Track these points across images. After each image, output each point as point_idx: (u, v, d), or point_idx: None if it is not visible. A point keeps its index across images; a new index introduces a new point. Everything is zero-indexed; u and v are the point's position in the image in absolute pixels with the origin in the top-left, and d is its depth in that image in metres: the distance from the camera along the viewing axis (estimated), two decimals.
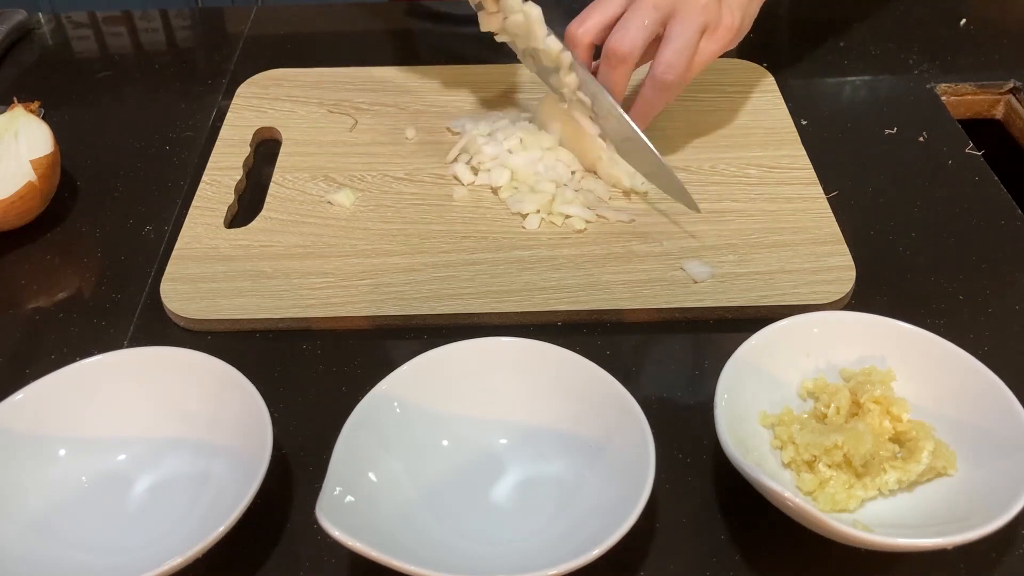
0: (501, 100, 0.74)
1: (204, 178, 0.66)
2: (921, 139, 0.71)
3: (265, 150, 0.71)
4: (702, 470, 0.48)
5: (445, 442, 0.48)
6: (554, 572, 0.38)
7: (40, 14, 0.89)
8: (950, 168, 0.68)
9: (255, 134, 0.71)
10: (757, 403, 0.48)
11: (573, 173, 0.65)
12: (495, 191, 0.64)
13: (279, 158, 0.68)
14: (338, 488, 0.42)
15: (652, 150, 0.60)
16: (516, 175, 0.64)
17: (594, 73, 0.62)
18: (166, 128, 0.73)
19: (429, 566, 0.38)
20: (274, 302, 0.56)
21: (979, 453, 0.45)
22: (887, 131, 0.72)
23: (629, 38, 0.58)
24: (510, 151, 0.65)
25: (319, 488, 0.41)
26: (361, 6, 0.91)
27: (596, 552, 0.39)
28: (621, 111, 0.61)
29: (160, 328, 0.56)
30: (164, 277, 0.58)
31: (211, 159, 0.68)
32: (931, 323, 0.52)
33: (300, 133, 0.71)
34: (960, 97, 0.78)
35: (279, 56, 0.82)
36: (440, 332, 0.55)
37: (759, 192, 0.64)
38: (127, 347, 0.55)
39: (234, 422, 0.46)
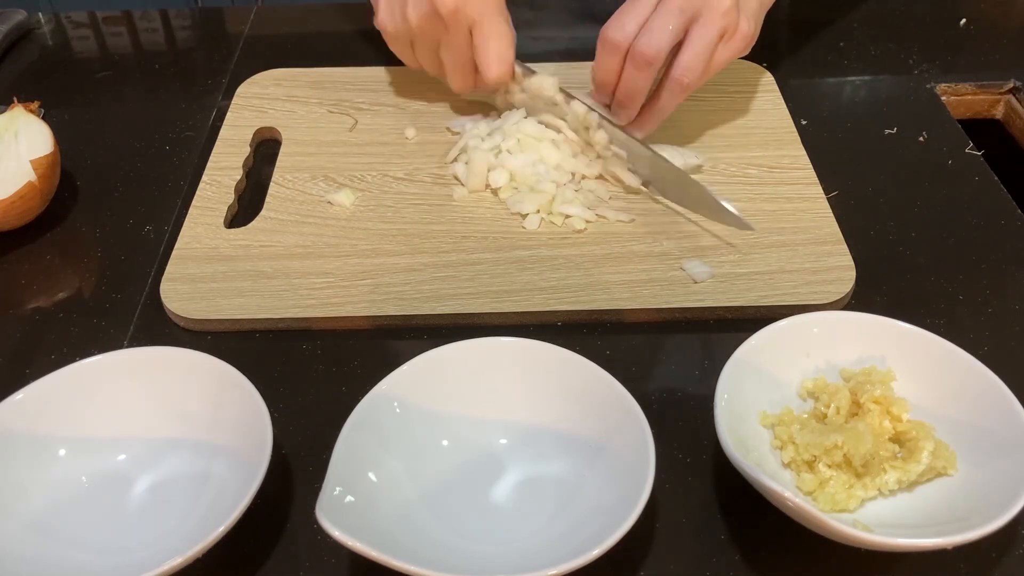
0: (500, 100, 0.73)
1: (204, 178, 0.66)
2: (921, 139, 0.71)
3: (265, 150, 0.71)
4: (702, 470, 0.48)
5: (445, 442, 0.48)
6: (554, 572, 0.38)
7: (40, 14, 0.89)
8: (950, 168, 0.68)
9: (255, 134, 0.71)
10: (757, 403, 0.48)
11: (573, 174, 0.65)
12: (495, 191, 0.64)
13: (279, 158, 0.68)
14: (338, 488, 0.41)
15: (695, 182, 0.61)
16: (515, 176, 0.64)
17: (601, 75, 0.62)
18: (166, 128, 0.73)
19: (429, 566, 0.38)
20: (274, 302, 0.56)
21: (979, 453, 0.45)
22: (887, 131, 0.72)
23: (655, 41, 0.58)
24: (509, 151, 0.65)
25: (319, 488, 0.41)
26: (362, 6, 0.91)
27: (596, 552, 0.39)
28: (654, 151, 0.62)
29: (160, 328, 0.56)
30: (164, 277, 0.58)
31: (211, 159, 0.68)
32: (931, 323, 0.52)
33: (300, 133, 0.71)
34: (960, 97, 0.78)
35: (279, 56, 0.82)
36: (440, 332, 0.55)
37: (759, 192, 0.64)
38: (127, 347, 0.55)
39: (234, 422, 0.46)
